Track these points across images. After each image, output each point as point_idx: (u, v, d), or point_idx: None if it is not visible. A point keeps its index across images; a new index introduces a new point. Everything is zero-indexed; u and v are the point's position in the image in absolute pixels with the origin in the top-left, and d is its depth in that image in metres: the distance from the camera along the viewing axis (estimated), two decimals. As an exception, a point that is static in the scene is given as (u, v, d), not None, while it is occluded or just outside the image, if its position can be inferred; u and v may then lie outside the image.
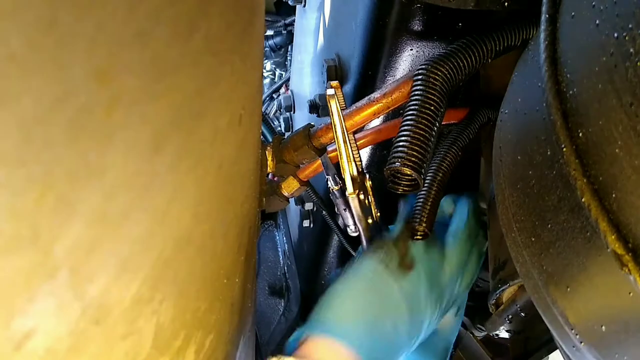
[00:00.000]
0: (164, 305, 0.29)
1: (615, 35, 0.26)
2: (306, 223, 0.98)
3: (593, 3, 0.28)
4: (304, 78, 1.00)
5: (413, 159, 0.49)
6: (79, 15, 0.17)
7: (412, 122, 0.50)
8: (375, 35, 0.61)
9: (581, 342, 0.33)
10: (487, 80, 0.63)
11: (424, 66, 0.51)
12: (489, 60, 0.52)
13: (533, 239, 0.35)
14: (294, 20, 1.20)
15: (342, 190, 0.60)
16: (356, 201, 0.59)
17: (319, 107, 0.77)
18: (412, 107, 0.51)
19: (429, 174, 0.58)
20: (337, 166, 0.59)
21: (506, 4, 0.50)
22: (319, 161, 0.65)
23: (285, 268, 1.26)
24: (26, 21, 0.16)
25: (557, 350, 0.54)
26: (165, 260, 0.28)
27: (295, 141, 0.63)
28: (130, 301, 0.26)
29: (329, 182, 0.61)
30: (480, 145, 0.64)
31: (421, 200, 0.58)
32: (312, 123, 0.65)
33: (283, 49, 1.49)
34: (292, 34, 1.23)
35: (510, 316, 0.59)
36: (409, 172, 0.49)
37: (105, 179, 0.21)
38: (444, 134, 0.62)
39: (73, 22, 0.17)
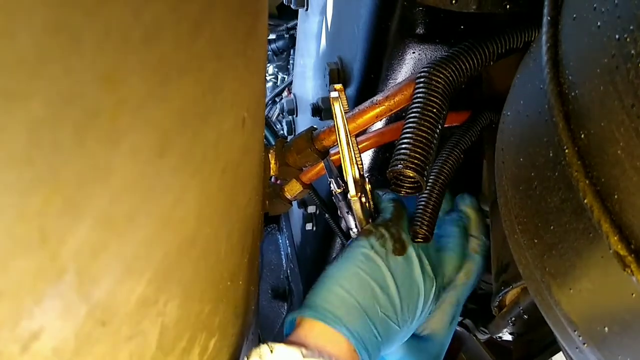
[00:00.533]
0: (168, 307, 0.30)
1: (617, 37, 0.26)
2: (309, 226, 0.98)
3: (594, 5, 0.28)
4: (307, 81, 1.00)
5: (416, 161, 0.49)
6: (86, 19, 0.18)
7: (414, 125, 0.50)
8: (377, 39, 0.61)
9: (584, 344, 0.33)
10: (489, 82, 0.63)
11: (426, 69, 0.51)
12: (491, 63, 0.52)
13: (536, 241, 0.35)
14: (296, 24, 1.20)
15: (345, 193, 0.60)
16: (358, 204, 0.59)
17: (321, 110, 0.77)
18: (415, 110, 0.51)
19: (431, 176, 0.58)
20: (339, 169, 0.59)
21: (508, 6, 0.51)
22: (322, 164, 0.65)
23: (288, 271, 1.26)
24: (34, 24, 0.16)
25: (560, 352, 0.54)
26: (170, 263, 0.28)
27: (298, 144, 0.63)
28: (136, 303, 0.26)
29: (331, 185, 0.61)
30: (483, 147, 0.64)
31: (422, 202, 0.58)
32: (315, 126, 0.65)
33: (285, 53, 1.49)
34: (295, 37, 1.24)
35: (513, 318, 0.59)
36: (411, 175, 0.49)
37: (111, 182, 0.22)
38: (446, 136, 0.62)
39: (80, 25, 0.18)
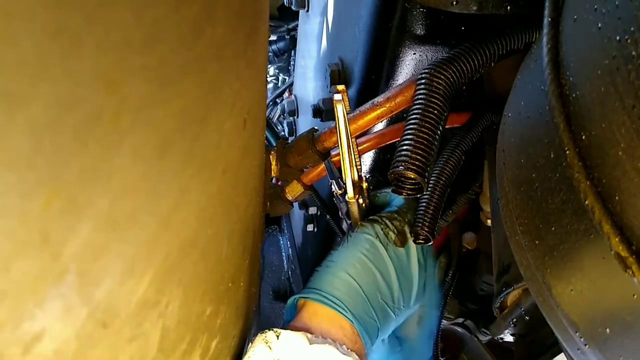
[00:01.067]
0: (169, 309, 0.30)
1: (617, 38, 0.26)
2: (310, 227, 0.99)
3: (595, 6, 0.28)
4: (308, 83, 1.00)
5: (417, 162, 0.49)
6: (87, 22, 0.18)
7: (415, 126, 0.50)
8: (378, 40, 0.61)
9: (586, 345, 0.33)
10: (490, 83, 0.63)
11: (427, 70, 0.51)
12: (492, 64, 0.52)
13: (537, 242, 0.35)
14: (297, 26, 1.20)
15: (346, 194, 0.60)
16: (355, 206, 0.59)
17: (322, 111, 0.77)
18: (416, 111, 0.51)
19: (432, 178, 0.58)
20: (340, 170, 0.59)
21: (508, 7, 0.51)
22: (323, 165, 0.65)
23: (290, 272, 1.26)
24: (35, 27, 0.16)
25: (562, 354, 0.54)
26: (171, 264, 0.28)
27: (299, 145, 0.63)
28: (137, 304, 0.26)
29: (332, 186, 0.61)
30: (484, 148, 0.64)
31: (424, 204, 0.58)
32: (316, 127, 0.65)
33: (286, 54, 1.49)
34: (296, 39, 1.24)
35: (514, 319, 0.59)
36: (412, 176, 0.49)
37: (112, 183, 0.22)
38: (447, 137, 0.62)
39: (81, 28, 0.18)
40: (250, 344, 0.46)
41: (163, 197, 0.25)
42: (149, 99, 0.22)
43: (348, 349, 0.48)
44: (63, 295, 0.22)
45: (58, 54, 0.17)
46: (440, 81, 0.51)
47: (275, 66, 1.57)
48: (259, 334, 0.46)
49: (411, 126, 0.50)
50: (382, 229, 0.59)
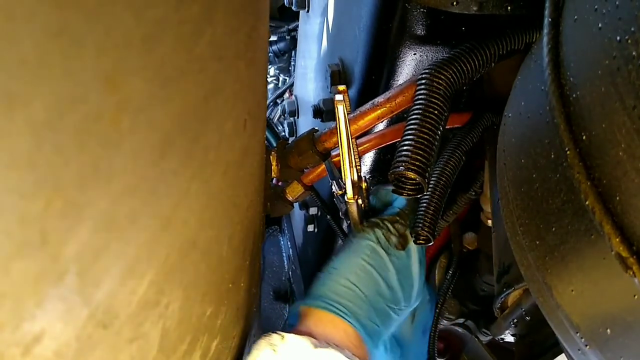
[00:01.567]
0: (170, 310, 0.30)
1: (618, 38, 0.26)
2: (310, 228, 0.99)
3: (595, 7, 0.28)
4: (308, 83, 1.00)
5: (417, 163, 0.49)
6: (87, 22, 0.18)
7: (415, 126, 0.50)
8: (378, 40, 0.61)
9: (586, 346, 0.33)
10: (490, 84, 0.63)
11: (427, 70, 0.51)
12: (492, 64, 0.52)
13: (537, 242, 0.35)
14: (297, 26, 1.20)
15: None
16: (354, 206, 0.59)
17: (322, 112, 0.77)
18: (416, 111, 0.51)
19: (433, 178, 0.58)
20: (340, 170, 0.59)
21: (509, 8, 0.51)
22: (323, 166, 0.65)
23: (290, 273, 1.26)
24: (36, 27, 0.16)
25: (563, 354, 0.54)
26: (171, 265, 0.28)
27: (299, 146, 0.63)
28: (137, 305, 0.26)
29: (333, 187, 0.61)
30: (484, 148, 0.64)
31: (424, 204, 0.58)
32: (316, 128, 0.65)
33: (287, 55, 1.49)
34: (296, 39, 1.24)
35: (515, 320, 0.59)
36: (413, 176, 0.49)
37: (112, 184, 0.22)
38: (448, 138, 0.62)
39: (81, 28, 0.18)
40: (253, 345, 0.46)
41: (163, 198, 0.25)
42: (149, 99, 0.22)
43: (352, 354, 0.48)
44: (63, 296, 0.22)
45: (58, 54, 0.17)
46: (441, 81, 0.51)
47: (276, 67, 1.57)
48: (264, 337, 0.46)
49: (411, 126, 0.50)
50: (383, 234, 0.59)
